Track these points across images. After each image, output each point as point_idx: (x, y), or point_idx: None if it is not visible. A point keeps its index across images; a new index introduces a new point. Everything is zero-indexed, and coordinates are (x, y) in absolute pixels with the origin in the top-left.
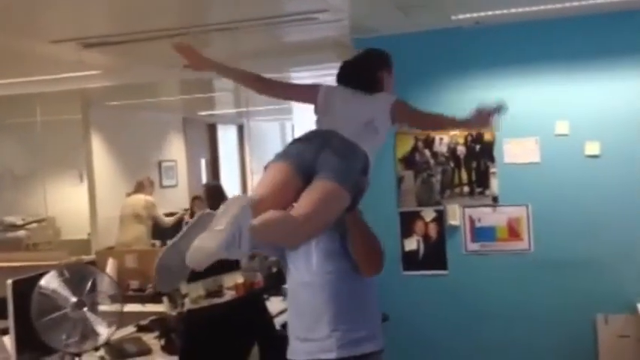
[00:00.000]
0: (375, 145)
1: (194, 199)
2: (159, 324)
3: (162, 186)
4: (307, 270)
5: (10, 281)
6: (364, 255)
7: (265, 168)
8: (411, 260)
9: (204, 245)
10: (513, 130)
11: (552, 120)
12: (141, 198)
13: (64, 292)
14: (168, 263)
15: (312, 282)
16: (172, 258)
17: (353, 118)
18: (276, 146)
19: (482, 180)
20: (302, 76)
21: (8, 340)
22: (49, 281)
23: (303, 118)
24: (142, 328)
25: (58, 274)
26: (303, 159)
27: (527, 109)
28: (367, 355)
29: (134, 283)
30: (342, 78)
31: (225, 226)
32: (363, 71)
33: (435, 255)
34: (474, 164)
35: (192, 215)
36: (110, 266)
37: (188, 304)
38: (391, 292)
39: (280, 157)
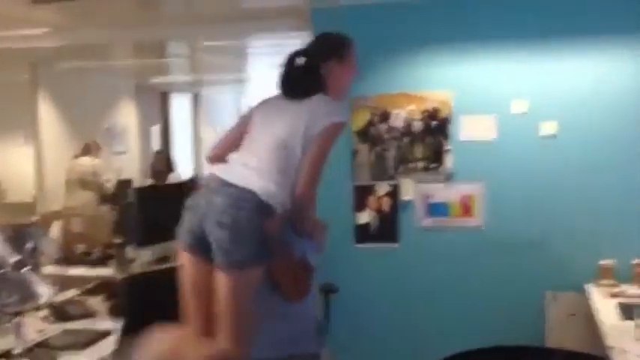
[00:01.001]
0: (295, 164)
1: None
2: (105, 287)
3: (112, 152)
4: None
5: None
6: (288, 286)
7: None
8: (363, 234)
9: None
10: (470, 107)
11: (510, 98)
12: (87, 162)
13: (5, 251)
14: None
15: None
16: None
17: (266, 137)
18: (230, 117)
19: (437, 156)
20: (260, 44)
21: None
22: None
23: (259, 89)
24: (87, 292)
25: None
26: (195, 236)
27: (485, 87)
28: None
29: (80, 247)
30: (279, 81)
31: None
32: (295, 68)
33: (387, 229)
34: (430, 140)
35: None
36: (55, 229)
37: (136, 269)
38: (342, 264)
39: (181, 239)
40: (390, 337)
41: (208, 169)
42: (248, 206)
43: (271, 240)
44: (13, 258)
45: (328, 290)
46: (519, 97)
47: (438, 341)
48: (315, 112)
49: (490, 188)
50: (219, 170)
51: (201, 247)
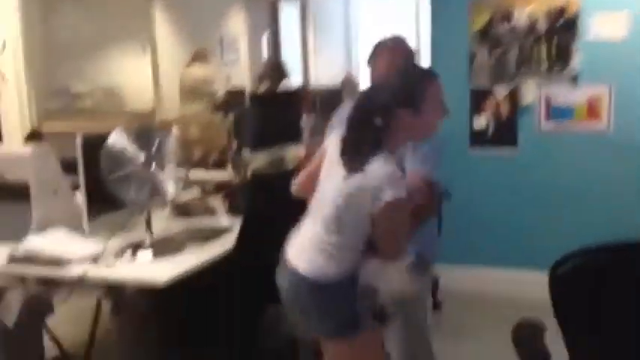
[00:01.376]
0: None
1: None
2: (224, 188)
3: (223, 60)
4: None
5: (79, 138)
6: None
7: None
8: (480, 139)
9: None
10: (600, 2)
11: None
12: (198, 70)
13: (132, 149)
14: None
15: None
16: None
17: (324, 195)
18: (338, 26)
19: (562, 56)
20: None
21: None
22: (118, 138)
23: None
24: (207, 192)
25: (126, 132)
26: None
27: None
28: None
29: (197, 152)
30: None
31: None
32: (352, 124)
33: (505, 134)
34: (555, 39)
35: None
36: (174, 135)
37: (251, 171)
38: (457, 170)
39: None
40: (502, 245)
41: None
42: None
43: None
44: (142, 156)
45: (442, 195)
46: None
47: (552, 248)
48: (368, 177)
49: (619, 90)
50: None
51: None
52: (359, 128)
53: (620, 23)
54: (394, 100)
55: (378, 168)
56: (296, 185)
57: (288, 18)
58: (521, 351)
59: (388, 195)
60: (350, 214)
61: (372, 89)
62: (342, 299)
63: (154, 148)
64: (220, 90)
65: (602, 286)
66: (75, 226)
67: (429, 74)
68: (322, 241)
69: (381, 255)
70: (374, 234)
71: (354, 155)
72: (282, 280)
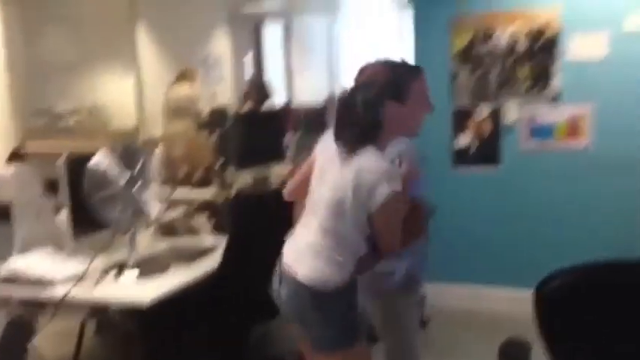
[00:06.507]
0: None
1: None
2: (208, 207)
3: (207, 80)
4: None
5: (63, 157)
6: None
7: None
8: (462, 157)
9: None
10: (580, 23)
11: (624, 13)
12: (184, 90)
13: (116, 169)
14: None
15: None
16: None
17: (318, 200)
18: (322, 45)
19: (542, 76)
20: None
21: (63, 216)
22: (101, 159)
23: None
24: (191, 211)
25: (110, 152)
26: None
27: (596, 1)
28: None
29: (182, 171)
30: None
31: None
32: (344, 114)
33: (487, 152)
34: (535, 60)
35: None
36: (158, 154)
37: (236, 190)
38: (440, 188)
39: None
40: (486, 262)
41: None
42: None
43: None
44: (125, 176)
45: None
46: (633, 12)
47: (535, 265)
48: (362, 182)
49: (600, 109)
50: (290, 259)
51: None
52: (349, 120)
53: (600, 43)
54: (382, 93)
55: (371, 163)
56: (287, 191)
57: (272, 38)
58: None
59: (385, 189)
60: (348, 213)
61: (361, 84)
62: (343, 307)
63: (137, 168)
64: (205, 109)
65: (587, 305)
66: (58, 247)
67: (415, 69)
68: (321, 246)
69: (382, 251)
70: (374, 230)
71: (348, 141)
72: (279, 287)
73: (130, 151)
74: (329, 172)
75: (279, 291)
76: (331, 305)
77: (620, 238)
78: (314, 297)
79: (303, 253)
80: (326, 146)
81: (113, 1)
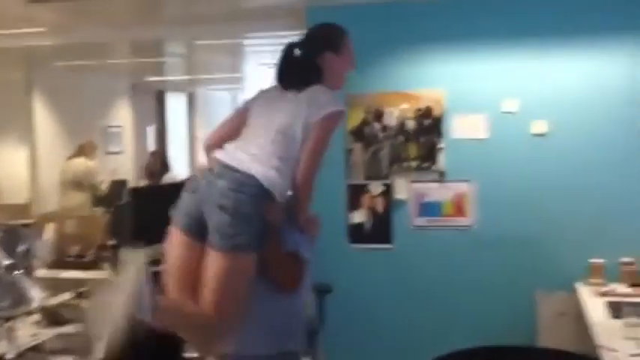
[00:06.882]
0: (296, 151)
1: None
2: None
3: (107, 152)
4: None
5: None
6: (281, 278)
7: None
8: (357, 233)
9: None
10: (462, 105)
11: (501, 97)
12: (82, 163)
13: None
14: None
15: None
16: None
17: (266, 125)
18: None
19: (430, 155)
20: (255, 43)
21: None
22: None
23: (254, 87)
24: (81, 295)
25: None
26: (192, 216)
27: (477, 85)
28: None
29: (74, 249)
30: (276, 72)
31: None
32: (293, 60)
33: (381, 228)
34: (423, 138)
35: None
36: (49, 231)
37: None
38: (336, 264)
39: (175, 218)
40: (383, 336)
41: (205, 158)
42: (250, 191)
43: (268, 227)
44: (5, 261)
45: (322, 290)
46: (510, 95)
47: (430, 340)
48: (315, 101)
49: (482, 187)
50: (222, 155)
51: (196, 229)
52: (300, 63)
53: (481, 124)
54: (322, 44)
55: (323, 89)
56: (211, 138)
57: (175, 108)
58: None
59: (334, 106)
60: (296, 136)
61: (302, 38)
62: (264, 215)
63: (21, 251)
64: (105, 181)
65: None
66: None
67: (343, 29)
68: (268, 159)
69: (299, 178)
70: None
71: (297, 83)
72: (212, 179)
73: (13, 234)
74: (273, 106)
75: (212, 182)
76: (264, 208)
77: (505, 315)
78: (258, 195)
79: (252, 159)
80: (265, 94)
81: (8, 69)
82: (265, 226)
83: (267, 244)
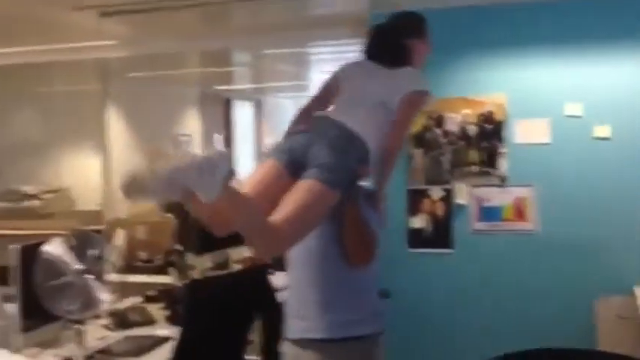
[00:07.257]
0: (388, 123)
1: None
2: (166, 295)
3: None
4: (304, 248)
5: (18, 246)
6: (354, 247)
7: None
8: (416, 238)
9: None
10: (524, 110)
11: (563, 101)
12: None
13: (69, 258)
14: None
15: (307, 262)
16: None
17: (364, 96)
18: None
19: (491, 160)
20: (319, 51)
21: (10, 307)
22: (55, 247)
23: None
24: (148, 299)
25: (64, 240)
26: (294, 154)
27: (539, 90)
28: (357, 337)
29: (143, 255)
30: (367, 50)
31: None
32: (386, 41)
33: (441, 233)
34: (484, 144)
35: None
36: (119, 236)
37: (195, 276)
38: (395, 269)
39: (272, 152)
40: (442, 341)
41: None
42: (357, 145)
43: (357, 188)
44: (77, 265)
45: (381, 295)
46: (573, 99)
47: (489, 345)
48: (409, 78)
49: (544, 192)
50: (333, 113)
51: (291, 166)
52: (394, 44)
53: (543, 128)
54: (411, 29)
55: (410, 70)
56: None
57: (242, 116)
58: None
59: (421, 85)
60: (389, 98)
61: (390, 23)
62: (357, 170)
63: (92, 256)
64: None
65: None
66: (4, 342)
67: (424, 17)
68: (367, 121)
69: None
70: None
71: (391, 62)
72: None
73: (85, 239)
74: (369, 78)
75: (325, 131)
76: (358, 149)
77: (566, 319)
78: (362, 152)
79: (356, 123)
80: (357, 66)
81: (84, 81)
82: (355, 184)
83: (349, 201)
